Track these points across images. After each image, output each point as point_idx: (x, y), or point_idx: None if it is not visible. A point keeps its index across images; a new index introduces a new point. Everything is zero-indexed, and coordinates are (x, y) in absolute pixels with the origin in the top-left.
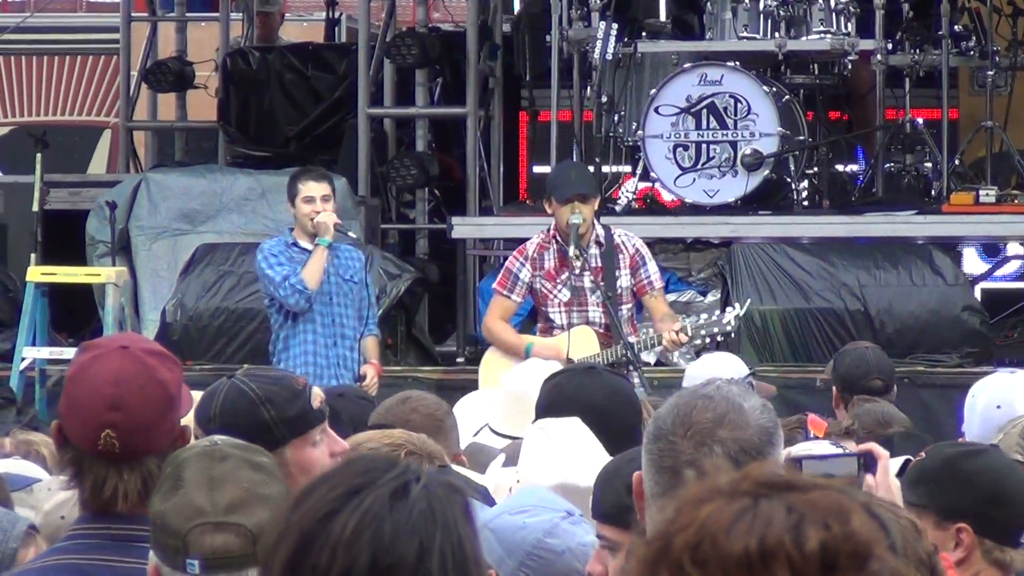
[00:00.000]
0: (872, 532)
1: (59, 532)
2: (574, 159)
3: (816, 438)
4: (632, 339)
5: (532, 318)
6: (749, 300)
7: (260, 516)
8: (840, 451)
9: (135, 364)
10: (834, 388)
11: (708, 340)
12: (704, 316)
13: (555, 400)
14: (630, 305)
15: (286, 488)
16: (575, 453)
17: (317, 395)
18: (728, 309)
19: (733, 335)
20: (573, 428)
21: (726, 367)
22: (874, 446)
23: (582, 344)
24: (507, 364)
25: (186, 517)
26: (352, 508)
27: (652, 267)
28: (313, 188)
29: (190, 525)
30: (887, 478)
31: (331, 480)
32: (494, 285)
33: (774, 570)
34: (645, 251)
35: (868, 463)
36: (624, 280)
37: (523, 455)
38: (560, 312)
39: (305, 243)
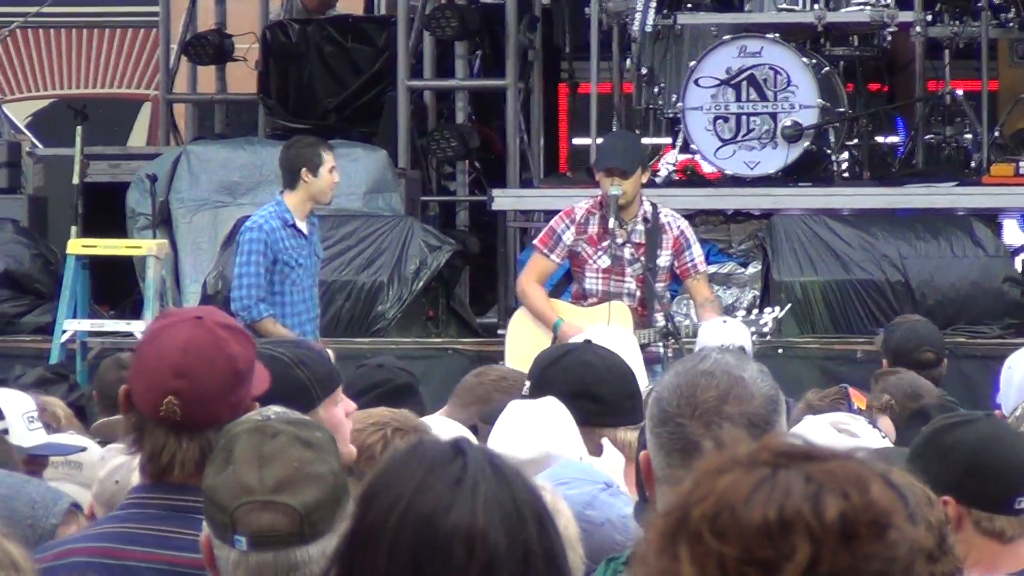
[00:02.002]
0: (891, 501)
1: (115, 497)
2: (616, 130)
3: (859, 410)
4: (659, 316)
5: (567, 280)
6: (789, 305)
7: (309, 495)
8: None
9: (207, 335)
10: (884, 360)
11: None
12: (741, 315)
13: (595, 377)
14: (665, 284)
15: (338, 464)
16: (557, 429)
17: (332, 355)
18: (767, 311)
19: (770, 336)
20: (548, 405)
21: (732, 335)
22: None
23: (616, 321)
24: (534, 330)
25: (234, 494)
26: (412, 468)
27: (697, 250)
28: (333, 157)
29: (238, 503)
30: None
31: (397, 456)
32: (535, 242)
33: (793, 540)
34: (690, 233)
35: None
36: (664, 260)
37: (495, 433)
38: (597, 279)
39: (299, 220)
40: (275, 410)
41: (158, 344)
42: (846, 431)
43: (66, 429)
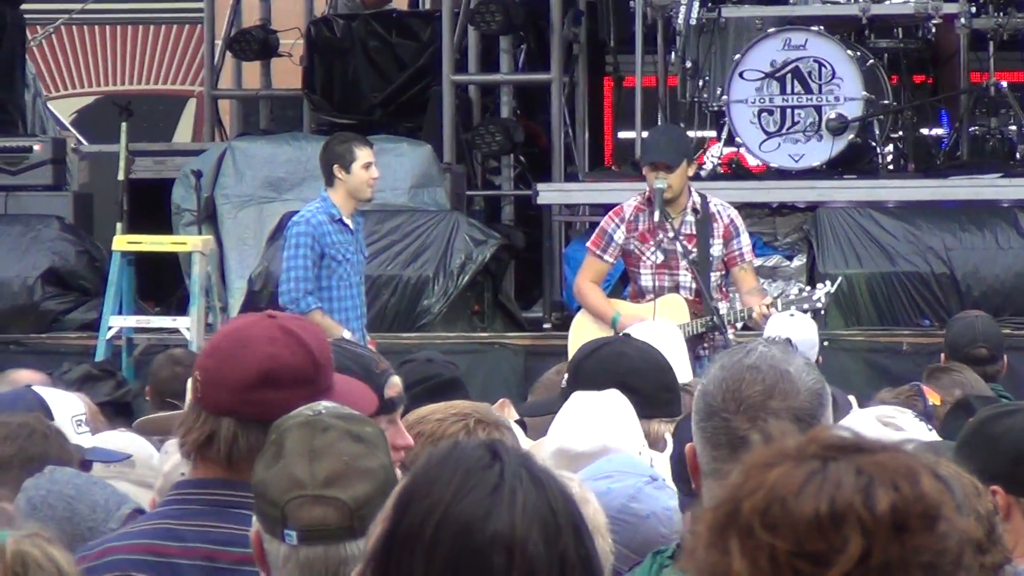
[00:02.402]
0: (940, 493)
1: None
2: (661, 124)
3: (934, 406)
4: (723, 305)
5: (622, 281)
6: (841, 278)
7: (359, 489)
8: None
9: (281, 332)
10: (942, 354)
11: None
12: (794, 291)
13: (630, 368)
14: (720, 273)
15: (388, 460)
16: (611, 422)
17: (394, 385)
18: (819, 285)
19: (824, 311)
20: (608, 399)
21: (799, 329)
22: None
23: (671, 312)
24: (596, 329)
25: (285, 488)
26: (451, 470)
27: (745, 239)
28: (370, 154)
29: (288, 497)
30: None
31: (433, 457)
32: (588, 244)
33: (845, 532)
34: (739, 222)
35: None
36: (716, 249)
37: (555, 425)
38: (651, 275)
39: (348, 218)
40: (325, 405)
41: (235, 344)
42: (892, 424)
43: (97, 427)
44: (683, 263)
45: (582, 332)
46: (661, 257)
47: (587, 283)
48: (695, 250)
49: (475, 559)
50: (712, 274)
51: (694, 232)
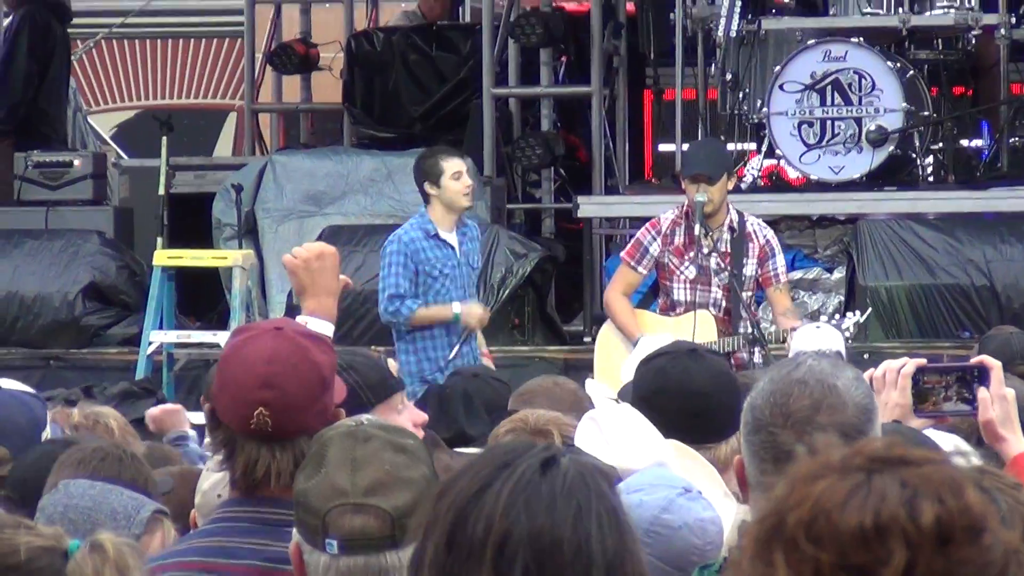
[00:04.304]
0: (985, 505)
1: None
2: (699, 137)
3: None
4: (749, 325)
5: (653, 292)
6: (870, 310)
7: (401, 499)
8: (957, 363)
9: (289, 345)
10: None
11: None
12: (824, 319)
13: (660, 387)
14: (751, 293)
15: (431, 471)
16: (628, 440)
17: (393, 365)
18: (849, 315)
19: (852, 341)
20: (626, 415)
21: (826, 340)
22: (986, 358)
23: (699, 330)
24: (621, 346)
25: (326, 497)
26: (504, 479)
27: (780, 260)
28: (458, 163)
29: (330, 505)
30: (1001, 388)
31: (478, 463)
32: (622, 254)
33: (890, 545)
34: (775, 243)
35: (981, 375)
36: (750, 268)
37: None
38: (684, 289)
39: (446, 231)
40: (367, 417)
41: (242, 357)
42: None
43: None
44: (716, 280)
45: (607, 346)
46: (695, 272)
47: (617, 295)
48: (729, 268)
49: (548, 566)
50: (743, 293)
51: (729, 250)
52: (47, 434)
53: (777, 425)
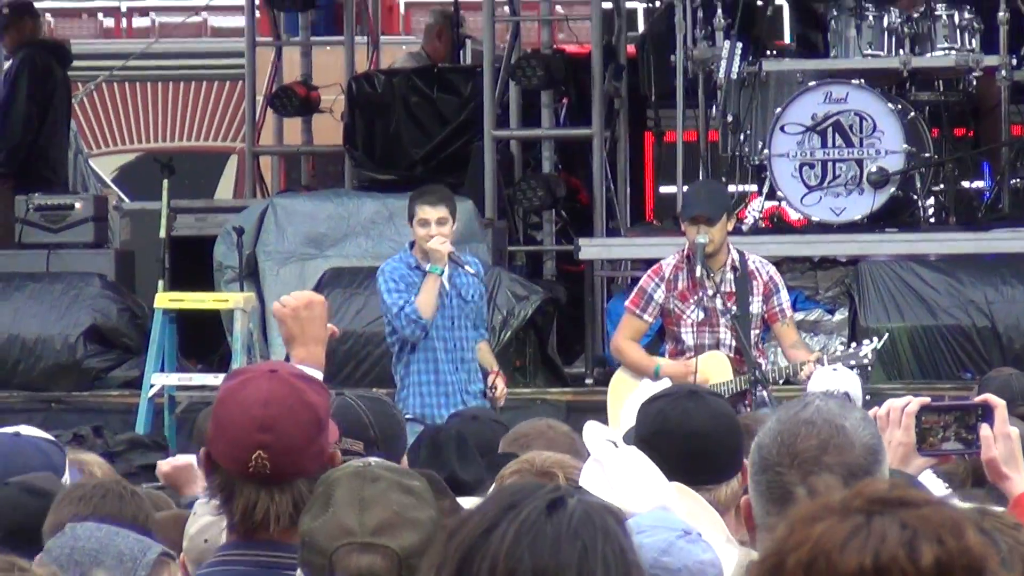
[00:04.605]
0: (985, 547)
1: (203, 556)
2: (700, 179)
3: None
4: (761, 362)
5: (660, 337)
6: (888, 334)
7: (408, 539)
8: (961, 402)
9: (284, 387)
10: None
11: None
12: (841, 348)
13: (660, 428)
14: (758, 331)
15: (438, 513)
16: (632, 483)
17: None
18: (866, 342)
19: (870, 367)
20: (630, 458)
21: (843, 383)
22: (990, 396)
23: (715, 369)
24: (636, 385)
25: (334, 536)
26: (510, 519)
27: (784, 295)
28: (428, 211)
29: (337, 544)
30: (1005, 426)
31: (486, 504)
32: (626, 303)
33: None
34: (779, 279)
35: (985, 413)
36: (755, 307)
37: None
38: (692, 332)
39: (432, 265)
40: (374, 459)
41: (238, 400)
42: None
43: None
44: (723, 320)
45: (622, 389)
46: (702, 315)
47: (625, 340)
48: (735, 307)
49: None
50: (752, 332)
51: (733, 290)
52: (66, 479)
53: (784, 465)
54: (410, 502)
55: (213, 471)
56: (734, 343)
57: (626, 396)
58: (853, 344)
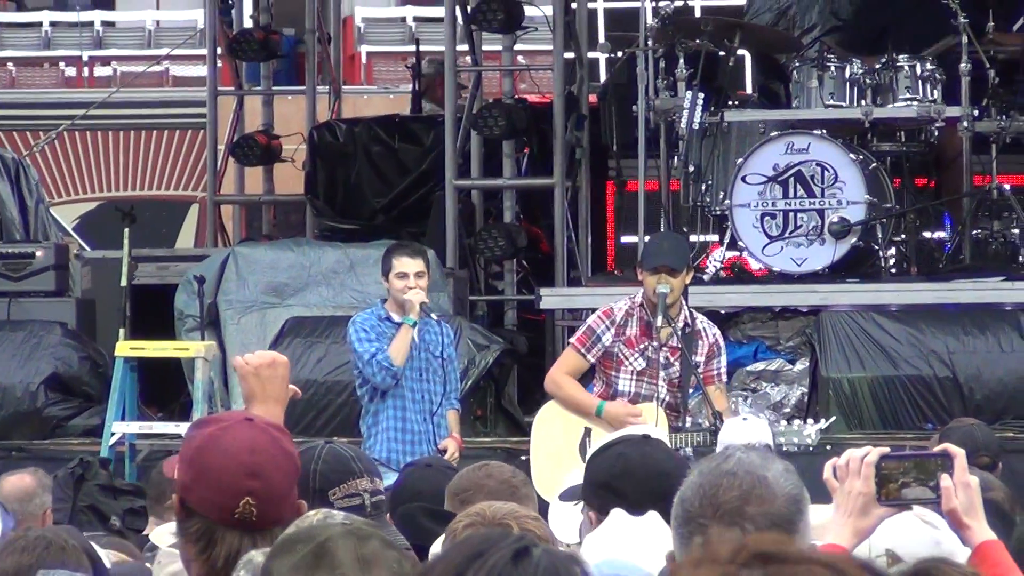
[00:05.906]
0: None
1: None
2: (662, 229)
3: None
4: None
5: (588, 376)
6: (833, 418)
7: None
8: (921, 452)
9: (265, 435)
10: None
11: (784, 450)
12: (784, 424)
13: (624, 469)
14: (692, 390)
15: (412, 568)
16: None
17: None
18: (809, 422)
19: (813, 448)
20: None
21: (753, 433)
22: (950, 446)
23: (654, 421)
24: (566, 421)
25: None
26: (476, 568)
27: (724, 361)
28: (407, 264)
29: None
30: (965, 476)
31: (452, 553)
32: (572, 340)
33: None
34: (722, 343)
35: (944, 463)
36: (699, 366)
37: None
38: (630, 380)
39: (397, 317)
40: (345, 515)
41: (222, 447)
42: (929, 523)
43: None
44: (663, 374)
45: (548, 426)
46: (643, 364)
47: (564, 376)
48: (677, 363)
49: None
50: (691, 390)
51: (679, 345)
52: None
53: (706, 516)
54: (398, 556)
55: (188, 517)
56: (669, 398)
57: (554, 432)
58: (797, 422)
